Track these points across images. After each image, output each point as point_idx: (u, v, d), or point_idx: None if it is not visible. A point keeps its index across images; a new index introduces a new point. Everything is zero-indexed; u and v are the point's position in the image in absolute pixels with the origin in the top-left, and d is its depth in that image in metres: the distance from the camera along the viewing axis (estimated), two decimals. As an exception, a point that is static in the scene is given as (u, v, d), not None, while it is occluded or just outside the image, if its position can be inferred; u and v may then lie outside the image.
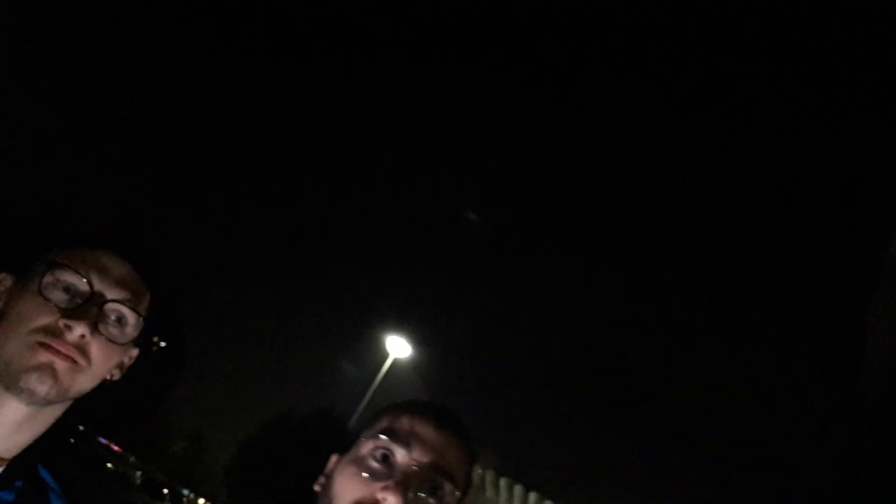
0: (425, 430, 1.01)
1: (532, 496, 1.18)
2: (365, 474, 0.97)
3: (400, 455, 0.98)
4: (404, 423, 1.02)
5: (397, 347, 17.47)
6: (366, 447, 1.01)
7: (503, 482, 1.18)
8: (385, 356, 17.32)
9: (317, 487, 1.04)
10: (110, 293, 1.12)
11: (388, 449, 0.99)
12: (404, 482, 0.95)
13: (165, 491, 19.17)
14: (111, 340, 1.12)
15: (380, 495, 0.94)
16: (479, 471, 1.16)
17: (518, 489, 1.18)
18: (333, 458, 1.07)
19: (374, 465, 0.98)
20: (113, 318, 1.13)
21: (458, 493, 1.00)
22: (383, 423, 1.04)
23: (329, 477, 1.03)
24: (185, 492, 23.30)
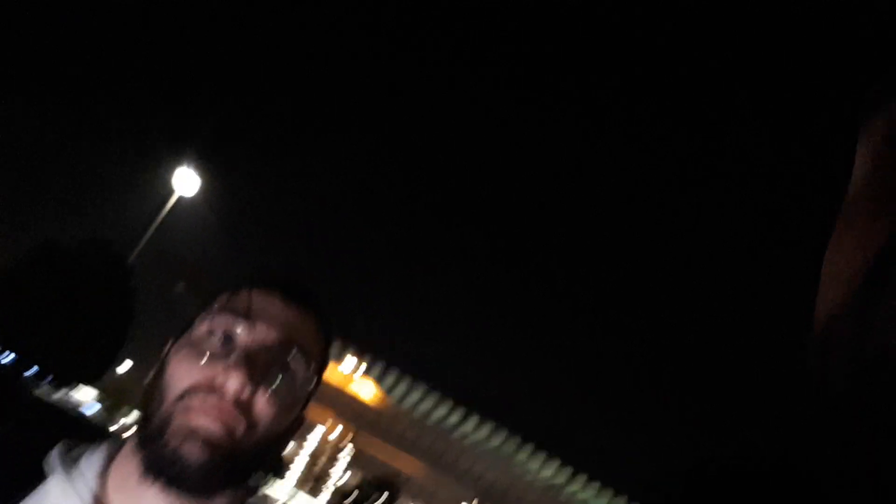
0: (270, 304, 0.90)
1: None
2: (202, 356, 0.85)
3: (242, 332, 0.86)
4: (244, 297, 0.90)
5: (185, 182, 16.54)
6: (201, 327, 0.88)
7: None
8: (172, 191, 16.36)
9: (148, 377, 0.91)
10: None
11: (227, 327, 0.87)
12: (249, 361, 0.84)
13: None
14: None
15: (220, 378, 0.83)
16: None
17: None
18: (167, 344, 0.93)
19: (213, 345, 0.86)
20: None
21: (314, 371, 0.91)
22: (220, 300, 0.91)
23: (161, 363, 0.90)
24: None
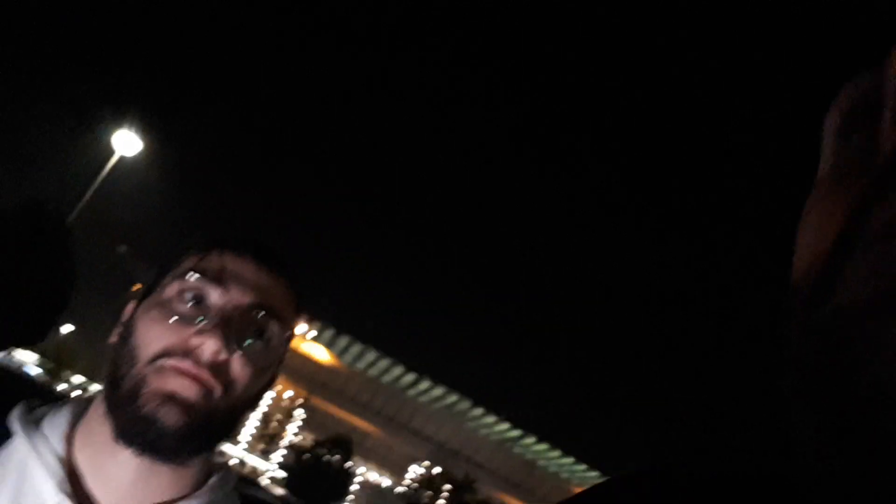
0: (242, 266, 0.89)
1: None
2: (174, 318, 0.83)
3: (215, 295, 0.85)
4: (215, 260, 0.88)
5: (126, 143, 16.02)
6: (171, 289, 0.86)
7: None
8: (112, 152, 15.84)
9: (112, 339, 0.88)
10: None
11: (199, 289, 0.85)
12: (224, 324, 0.82)
13: None
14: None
15: (195, 341, 0.81)
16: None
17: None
18: (129, 306, 0.90)
19: (185, 308, 0.84)
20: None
21: (286, 335, 0.91)
22: (189, 261, 0.89)
23: (127, 325, 0.87)
24: None
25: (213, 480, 0.91)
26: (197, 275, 0.86)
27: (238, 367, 0.84)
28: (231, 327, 0.83)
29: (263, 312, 0.87)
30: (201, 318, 0.83)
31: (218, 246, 0.91)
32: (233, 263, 0.89)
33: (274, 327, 0.88)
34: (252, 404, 0.92)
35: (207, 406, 0.82)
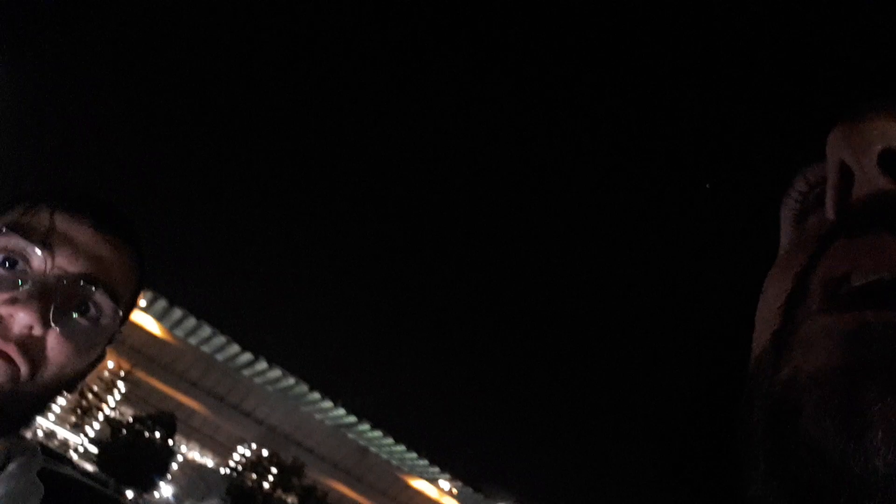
0: (77, 228, 0.77)
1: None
2: None
3: (37, 259, 0.73)
4: (43, 217, 0.76)
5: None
6: None
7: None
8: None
9: None
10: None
11: (18, 249, 0.73)
12: (43, 294, 0.71)
13: None
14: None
15: (5, 310, 0.70)
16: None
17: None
18: None
19: None
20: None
21: (120, 314, 0.79)
22: (12, 214, 0.77)
23: None
24: None
25: (12, 467, 0.79)
26: (16, 232, 0.74)
27: (54, 345, 0.73)
28: (51, 299, 0.72)
29: (94, 286, 0.76)
30: (15, 283, 0.72)
31: (49, 201, 0.78)
32: (65, 224, 0.77)
33: (105, 303, 0.77)
34: (70, 386, 0.82)
35: (12, 387, 0.71)
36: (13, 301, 0.70)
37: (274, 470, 33.72)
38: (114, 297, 0.78)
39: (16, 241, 0.74)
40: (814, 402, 0.28)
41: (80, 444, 31.53)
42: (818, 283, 0.31)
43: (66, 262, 0.75)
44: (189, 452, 39.15)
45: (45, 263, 0.74)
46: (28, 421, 0.79)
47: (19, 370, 0.71)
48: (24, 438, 0.83)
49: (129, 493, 23.18)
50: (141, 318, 41.91)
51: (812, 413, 0.28)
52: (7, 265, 0.73)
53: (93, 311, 0.77)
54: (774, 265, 0.38)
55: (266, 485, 32.98)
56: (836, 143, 0.33)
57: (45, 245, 0.74)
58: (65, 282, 0.74)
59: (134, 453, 24.33)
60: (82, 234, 0.77)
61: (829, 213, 0.34)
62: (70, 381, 0.81)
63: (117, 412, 33.80)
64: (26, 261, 0.74)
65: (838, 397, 0.27)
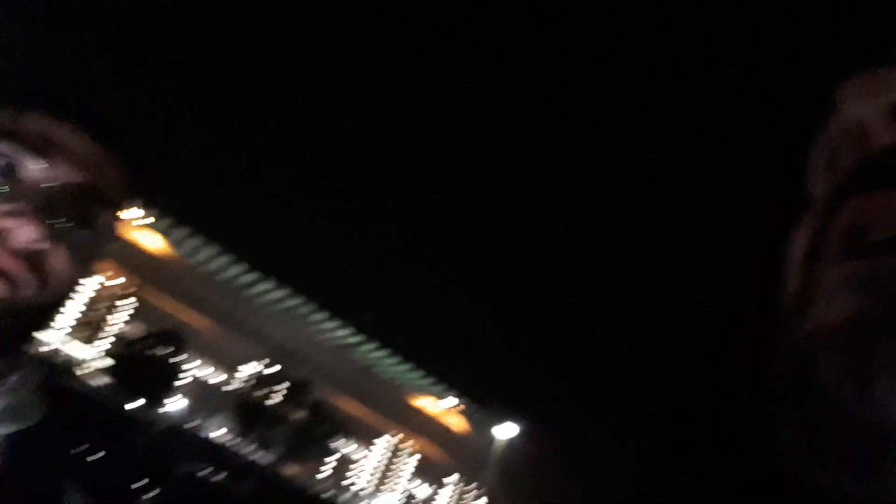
0: (72, 138, 0.73)
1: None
2: None
3: (32, 167, 0.69)
4: (40, 123, 0.71)
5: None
6: None
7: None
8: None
9: None
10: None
11: (11, 157, 0.68)
12: (39, 205, 0.67)
13: None
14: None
15: (7, 223, 0.66)
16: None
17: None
18: None
19: None
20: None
21: (115, 225, 0.78)
22: (4, 121, 0.71)
23: None
24: None
25: (13, 380, 0.75)
26: (10, 138, 0.70)
27: (58, 259, 0.70)
28: (53, 210, 0.69)
29: (94, 196, 0.73)
30: (15, 195, 0.68)
31: (39, 105, 0.73)
32: (57, 130, 0.72)
33: (104, 213, 0.75)
34: (68, 297, 0.77)
35: (15, 303, 0.68)
36: (14, 213, 0.67)
37: (281, 387, 34.64)
38: (111, 205, 0.76)
39: (9, 148, 0.70)
40: (830, 353, 0.28)
41: (88, 359, 32.28)
42: (837, 237, 0.32)
43: (64, 172, 0.72)
44: (196, 369, 40.14)
45: (44, 173, 0.70)
46: (31, 336, 0.76)
47: (22, 286, 0.69)
48: (27, 353, 0.80)
49: (137, 406, 23.89)
50: (147, 236, 42.22)
51: (828, 363, 0.28)
52: (4, 173, 0.70)
53: (92, 221, 0.74)
54: (803, 217, 0.38)
55: (272, 401, 33.94)
56: (851, 94, 0.33)
57: (42, 153, 0.71)
58: (66, 192, 0.70)
59: (142, 369, 24.94)
60: (76, 140, 0.74)
61: (845, 166, 0.34)
62: (69, 294, 0.78)
63: (127, 328, 34.46)
64: (21, 168, 0.70)
65: (852, 346, 0.27)
